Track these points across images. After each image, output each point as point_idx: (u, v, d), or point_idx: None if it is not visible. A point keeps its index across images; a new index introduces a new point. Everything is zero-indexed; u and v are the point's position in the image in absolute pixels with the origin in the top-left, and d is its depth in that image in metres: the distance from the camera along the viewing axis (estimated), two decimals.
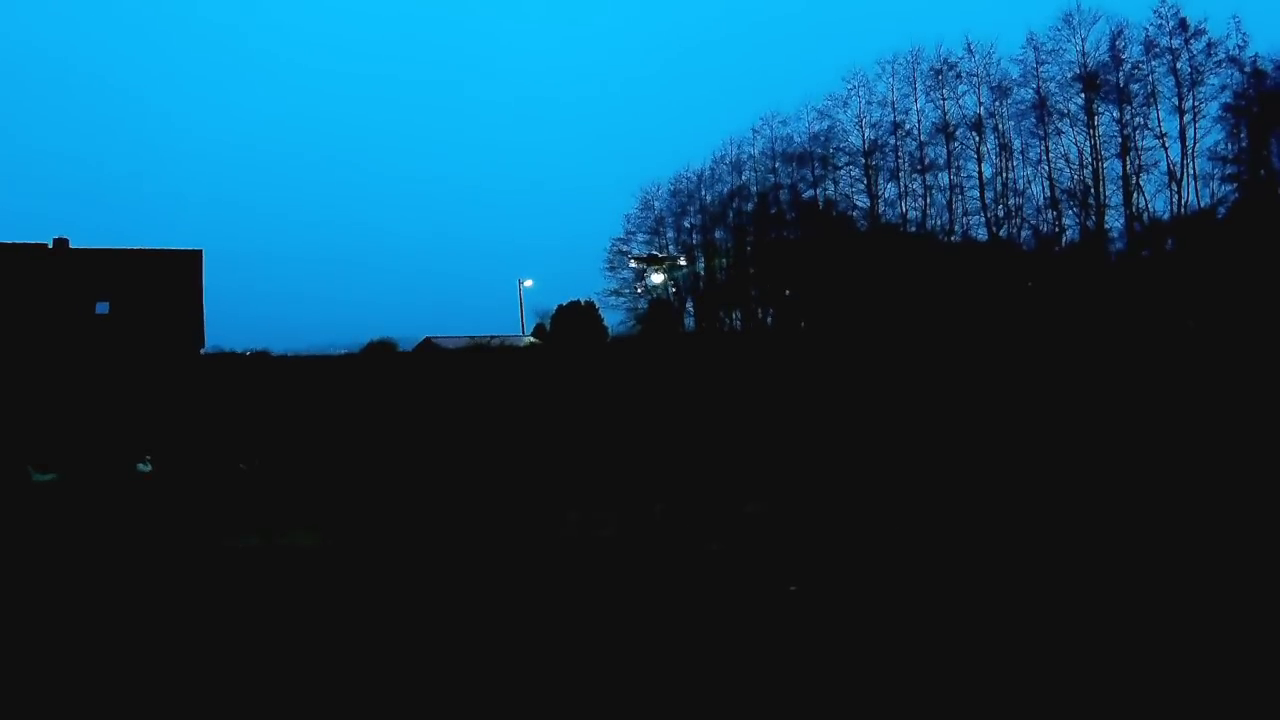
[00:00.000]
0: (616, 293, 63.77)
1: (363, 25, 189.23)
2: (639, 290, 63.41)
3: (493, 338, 59.58)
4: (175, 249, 47.71)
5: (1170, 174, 45.09)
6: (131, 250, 46.73)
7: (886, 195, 55.78)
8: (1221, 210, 43.91)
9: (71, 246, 45.81)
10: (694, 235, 62.83)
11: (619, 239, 64.24)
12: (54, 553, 19.65)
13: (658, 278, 50.75)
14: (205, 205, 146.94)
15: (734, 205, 60.72)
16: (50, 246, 45.59)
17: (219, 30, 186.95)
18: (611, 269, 63.86)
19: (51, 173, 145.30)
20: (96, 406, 39.67)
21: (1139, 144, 46.10)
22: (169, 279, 46.36)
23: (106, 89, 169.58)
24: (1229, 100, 43.19)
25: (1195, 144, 44.55)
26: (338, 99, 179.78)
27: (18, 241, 44.91)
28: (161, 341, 44.58)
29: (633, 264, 58.44)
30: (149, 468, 40.27)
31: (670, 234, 63.37)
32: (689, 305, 63.35)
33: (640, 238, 63.68)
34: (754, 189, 60.18)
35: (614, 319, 64.71)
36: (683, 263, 50.07)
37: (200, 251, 48.02)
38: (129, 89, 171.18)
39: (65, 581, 16.45)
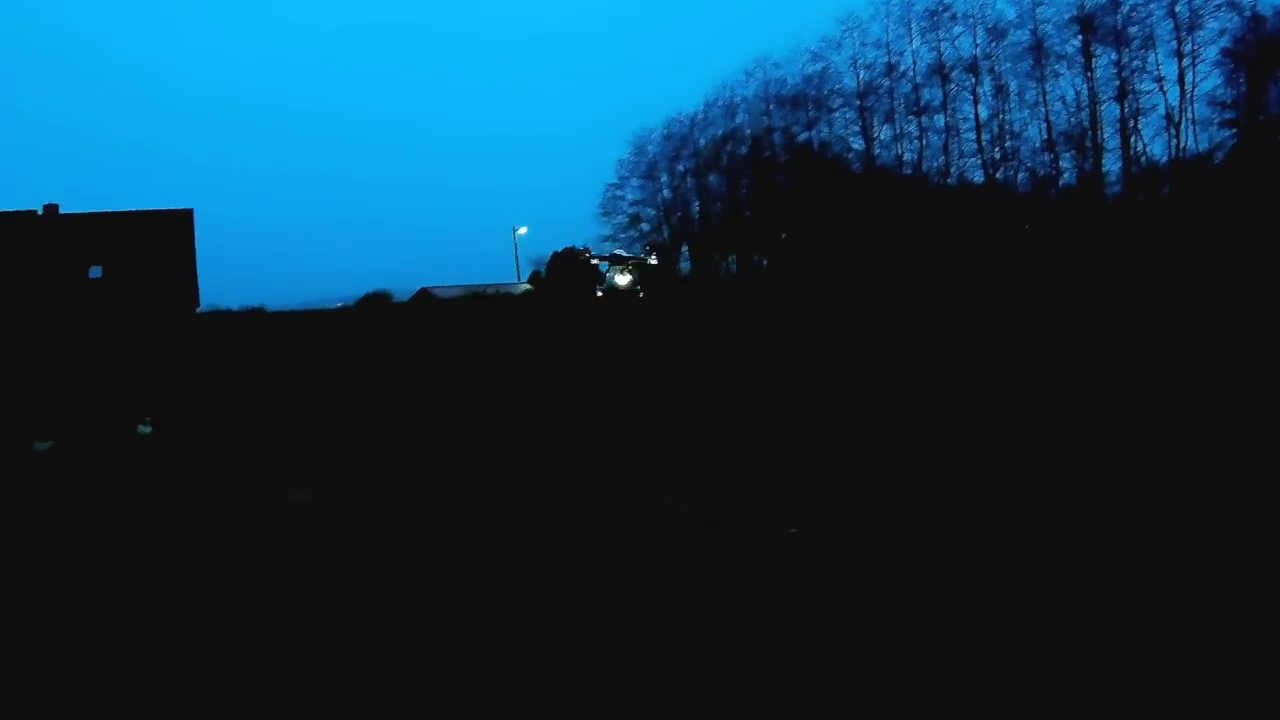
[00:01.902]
0: (611, 238, 63.30)
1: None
2: (634, 236, 63.17)
3: (488, 286, 59.47)
4: (166, 209, 47.27)
5: (1168, 118, 44.67)
6: (122, 213, 46.30)
7: (882, 138, 55.30)
8: (1219, 155, 43.62)
9: (62, 212, 45.47)
10: (687, 179, 62.22)
11: (613, 184, 63.67)
12: (58, 518, 19.80)
13: (623, 279, 50.37)
14: (194, 164, 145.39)
15: (727, 149, 60.07)
16: (40, 213, 45.17)
17: None
18: (605, 214, 63.43)
19: (36, 139, 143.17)
20: (94, 371, 39.73)
21: (1137, 88, 45.60)
22: (161, 240, 46.02)
23: (86, 49, 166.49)
24: (1228, 45, 42.64)
25: (1193, 88, 44.06)
26: (324, 51, 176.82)
27: (7, 210, 44.55)
28: (156, 303, 44.44)
29: (596, 262, 58.00)
30: (149, 429, 40.48)
31: (664, 178, 62.78)
32: (684, 249, 63.03)
33: (634, 183, 63.17)
34: (748, 132, 59.52)
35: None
36: (653, 260, 49.64)
37: (191, 211, 47.65)
38: (110, 49, 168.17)
39: (72, 545, 16.59)
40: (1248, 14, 41.54)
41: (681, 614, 10.45)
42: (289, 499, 21.42)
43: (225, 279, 77.93)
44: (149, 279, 45.17)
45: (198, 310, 47.14)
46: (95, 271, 44.48)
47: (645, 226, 63.24)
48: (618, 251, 54.32)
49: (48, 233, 44.43)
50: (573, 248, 64.66)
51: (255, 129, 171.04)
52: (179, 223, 46.98)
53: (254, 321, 48.09)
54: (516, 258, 67.04)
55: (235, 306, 49.15)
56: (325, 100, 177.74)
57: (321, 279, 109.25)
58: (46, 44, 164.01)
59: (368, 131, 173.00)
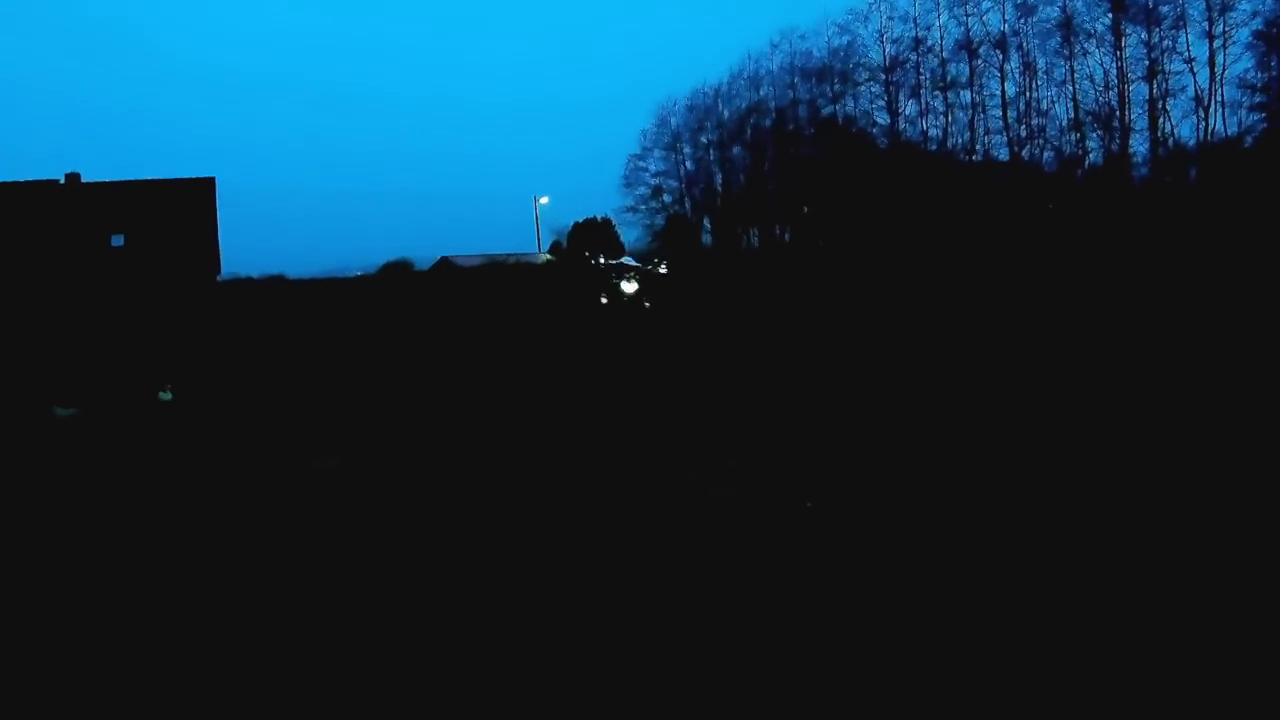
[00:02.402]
0: (633, 209, 63.35)
1: None
2: (655, 207, 63.07)
3: (509, 255, 59.57)
4: (188, 178, 47.52)
5: (1197, 100, 43.92)
6: (144, 182, 46.59)
7: (907, 113, 54.82)
8: (1249, 139, 42.92)
9: (84, 181, 45.81)
10: (710, 152, 61.99)
11: (635, 155, 63.53)
12: (81, 484, 20.05)
13: (630, 287, 50.23)
14: (217, 132, 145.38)
15: (751, 121, 59.69)
16: (62, 182, 45.52)
17: None
18: (628, 185, 63.29)
19: (56, 109, 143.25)
20: (117, 338, 40.09)
21: (1166, 68, 44.82)
22: (183, 208, 46.30)
23: (107, 19, 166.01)
24: (1260, 27, 41.84)
25: (1224, 71, 43.25)
26: (350, 20, 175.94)
27: (30, 180, 44.87)
28: (178, 271, 44.74)
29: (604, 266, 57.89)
30: (170, 395, 40.85)
31: (687, 150, 62.56)
32: (705, 223, 62.92)
33: (657, 154, 62.97)
34: (772, 105, 59.08)
35: (630, 236, 64.55)
36: (662, 270, 49.42)
37: (213, 179, 47.87)
38: (130, 17, 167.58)
39: (91, 511, 16.82)
40: None
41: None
42: (313, 465, 21.55)
43: (246, 244, 78.34)
44: (170, 247, 45.48)
45: (219, 278, 47.40)
46: (117, 240, 44.83)
47: (667, 198, 63.27)
48: (625, 260, 54.27)
49: (70, 201, 44.78)
50: (594, 219, 64.81)
51: (283, 97, 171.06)
52: (201, 191, 47.24)
53: (275, 289, 48.32)
54: (538, 228, 67.11)
55: (256, 274, 49.38)
56: (355, 69, 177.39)
57: (343, 248, 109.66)
58: (70, 16, 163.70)
59: (392, 100, 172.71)
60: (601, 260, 52.45)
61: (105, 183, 46.07)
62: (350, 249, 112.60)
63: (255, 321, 42.97)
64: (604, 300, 49.05)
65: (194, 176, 47.66)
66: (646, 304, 49.56)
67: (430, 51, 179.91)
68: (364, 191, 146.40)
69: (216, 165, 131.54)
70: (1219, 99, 43.45)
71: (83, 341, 39.60)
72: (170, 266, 44.67)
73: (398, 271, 56.51)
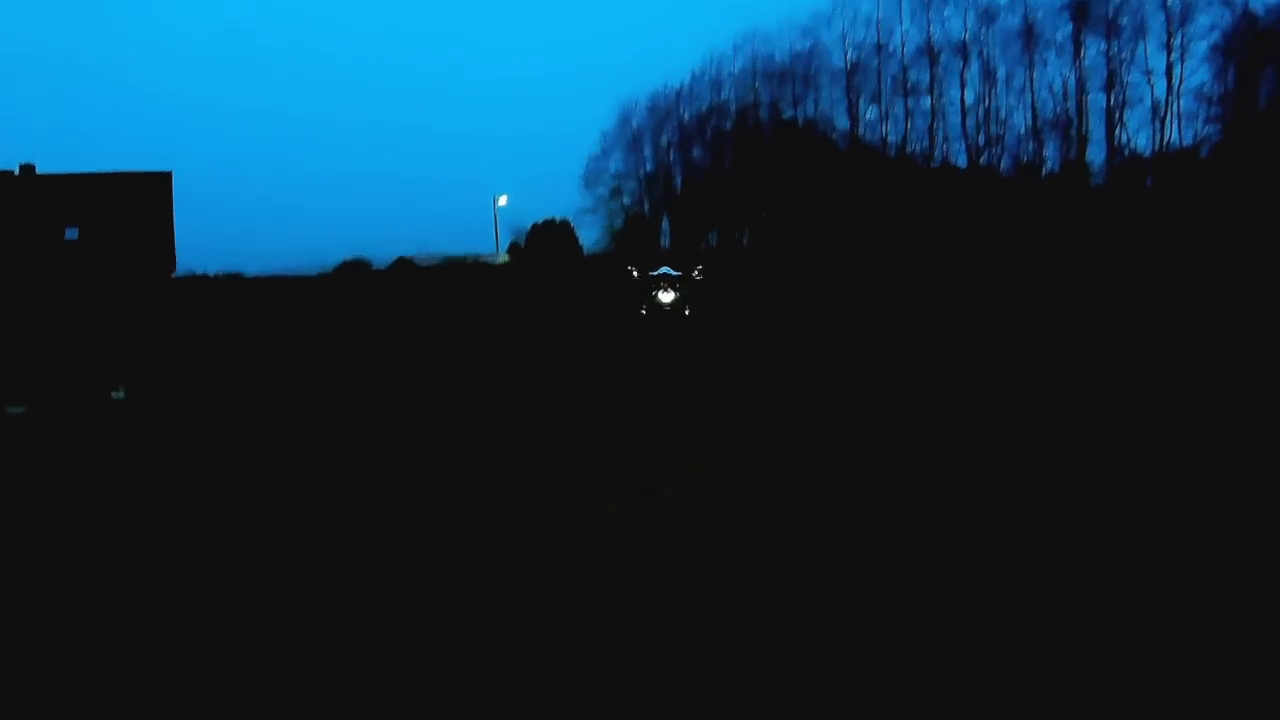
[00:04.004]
0: (591, 210, 63.22)
1: None
2: (615, 209, 63.02)
3: (468, 256, 59.20)
4: (144, 171, 46.55)
5: (1154, 111, 45.04)
6: (100, 174, 45.55)
7: (868, 117, 55.48)
8: (1204, 150, 43.88)
9: (38, 173, 44.75)
10: (670, 152, 62.08)
11: (596, 155, 63.35)
12: (27, 483, 19.59)
13: (667, 296, 49.68)
14: (167, 118, 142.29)
15: (713, 123, 59.95)
16: (16, 173, 44.45)
17: None
18: (588, 185, 63.20)
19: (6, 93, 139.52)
20: (69, 334, 39.25)
21: (1125, 78, 45.90)
22: (139, 202, 45.36)
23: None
24: (1218, 40, 42.91)
25: (1181, 83, 44.45)
26: (305, 9, 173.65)
27: None
28: (133, 266, 43.86)
29: (636, 275, 57.46)
30: (123, 394, 40.10)
31: (647, 150, 62.57)
32: (665, 225, 62.96)
33: (617, 155, 62.89)
34: (733, 107, 59.44)
35: (590, 237, 64.25)
36: (696, 275, 49.16)
37: (170, 174, 46.95)
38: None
39: (41, 511, 16.45)
40: (1239, 9, 41.81)
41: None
42: (267, 465, 21.15)
43: (199, 237, 76.97)
44: (125, 241, 44.56)
45: (174, 275, 46.59)
46: (71, 233, 43.84)
47: (627, 199, 63.17)
48: (665, 270, 53.99)
49: (23, 192, 43.67)
50: (553, 220, 64.49)
51: (235, 82, 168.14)
52: (157, 185, 46.30)
53: (231, 287, 47.65)
54: (496, 229, 66.58)
55: (212, 271, 48.62)
56: (311, 54, 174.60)
57: (299, 243, 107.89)
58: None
59: (352, 87, 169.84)
60: (634, 272, 52.23)
61: (60, 175, 44.96)
62: (307, 239, 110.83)
63: (211, 320, 42.33)
64: (643, 311, 48.91)
65: (151, 170, 46.75)
66: (687, 313, 49.61)
67: (391, 39, 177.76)
68: (321, 178, 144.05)
69: (164, 155, 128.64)
70: (1175, 110, 44.55)
71: (34, 336, 38.75)
72: (125, 261, 43.76)
73: (355, 270, 55.96)
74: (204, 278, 48.13)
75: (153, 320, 41.46)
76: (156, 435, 28.20)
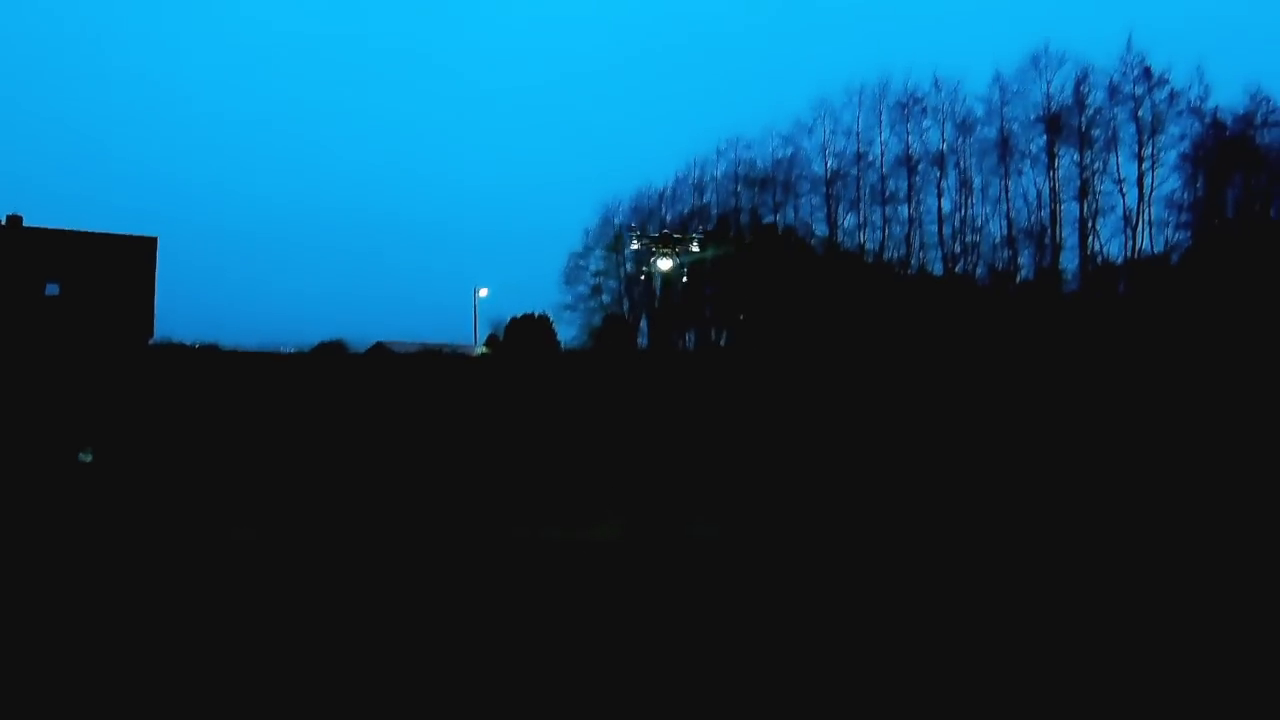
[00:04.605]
0: (571, 307, 63.57)
1: (327, 19, 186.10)
2: (594, 306, 63.34)
3: (444, 346, 59.07)
4: (130, 234, 46.65)
5: (1126, 218, 46.07)
6: (86, 233, 45.57)
7: (846, 224, 56.40)
8: (1175, 256, 44.89)
9: (25, 225, 44.62)
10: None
11: (577, 253, 64.14)
12: None
13: (665, 263, 49.22)
14: (157, 186, 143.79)
15: (694, 225, 60.76)
16: (3, 223, 44.31)
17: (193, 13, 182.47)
18: (568, 282, 63.64)
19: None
20: (41, 390, 38.64)
21: (1097, 188, 47.10)
22: (123, 264, 45.29)
23: (70, 62, 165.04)
24: (1188, 149, 44.33)
25: (1152, 191, 45.69)
26: (301, 86, 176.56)
27: None
28: (111, 328, 43.56)
29: (636, 245, 57.40)
30: (90, 457, 39.34)
31: (629, 250, 63.20)
32: (643, 324, 63.26)
33: (598, 252, 63.64)
34: (715, 210, 60.60)
35: (567, 334, 64.40)
36: (695, 248, 48.43)
37: (155, 239, 47.05)
38: (90, 62, 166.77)
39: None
40: (1209, 120, 43.32)
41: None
42: (229, 537, 20.90)
43: (178, 302, 76.68)
44: (107, 302, 44.33)
45: (152, 340, 46.22)
46: (53, 288, 43.56)
47: (606, 298, 63.59)
48: (666, 231, 53.13)
49: (8, 243, 43.48)
50: (532, 314, 64.72)
51: (225, 154, 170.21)
52: (143, 249, 46.31)
53: (207, 359, 47.28)
54: (475, 321, 66.82)
55: (189, 340, 48.28)
56: (302, 130, 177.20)
57: (278, 315, 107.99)
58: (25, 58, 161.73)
59: (343, 167, 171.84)
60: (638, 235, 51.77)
61: (47, 229, 44.85)
62: (286, 315, 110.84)
63: (185, 390, 41.86)
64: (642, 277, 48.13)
65: (137, 235, 46.79)
66: (685, 280, 48.62)
67: (385, 130, 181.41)
68: (305, 258, 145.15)
69: (160, 215, 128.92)
70: (1147, 218, 45.67)
71: (5, 389, 38.15)
72: (104, 322, 43.46)
73: (332, 352, 55.68)
74: (181, 346, 47.77)
75: (127, 385, 40.95)
76: (116, 503, 27.72)
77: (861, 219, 55.60)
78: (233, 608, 13.41)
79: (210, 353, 48.62)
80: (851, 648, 11.10)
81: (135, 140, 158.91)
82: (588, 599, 13.84)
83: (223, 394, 42.19)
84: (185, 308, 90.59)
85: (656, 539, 20.53)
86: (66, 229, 45.43)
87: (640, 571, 16.56)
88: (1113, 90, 46.39)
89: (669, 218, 61.71)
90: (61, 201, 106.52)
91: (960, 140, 51.59)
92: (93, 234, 45.83)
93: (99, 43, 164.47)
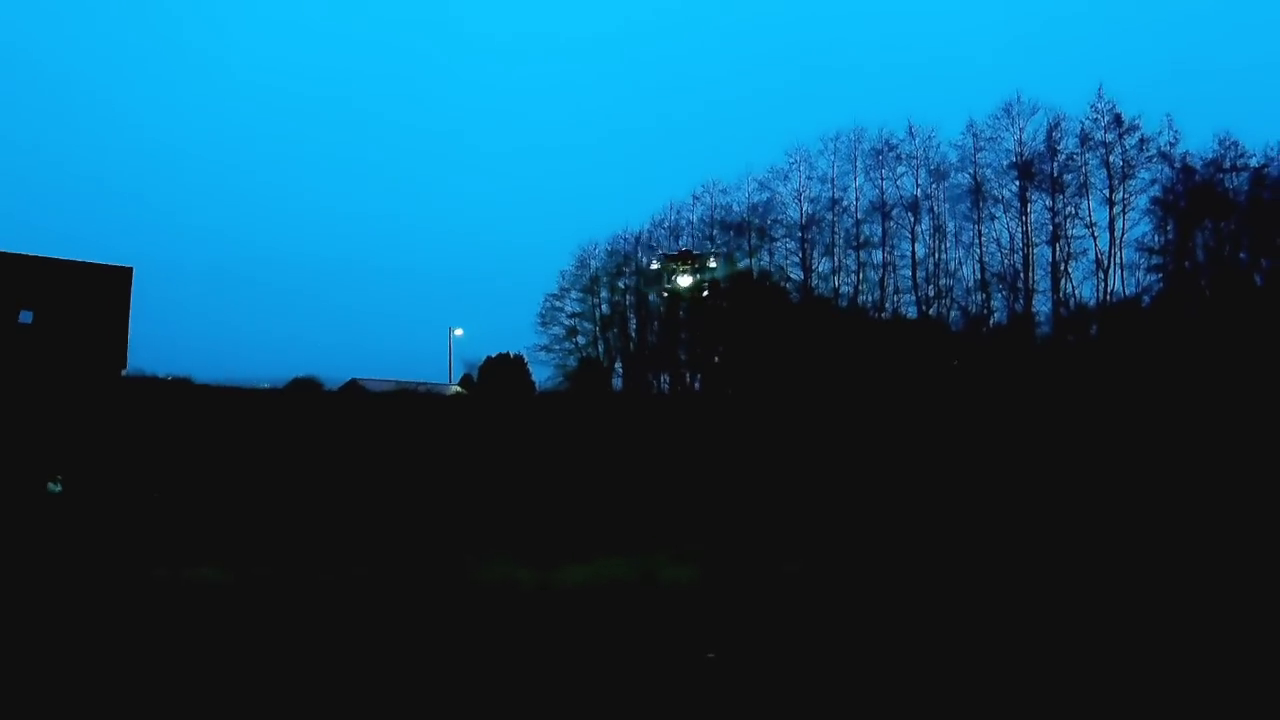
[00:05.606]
0: (546, 349, 63.59)
1: (305, 64, 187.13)
2: (569, 348, 63.49)
3: (419, 384, 59.00)
4: (106, 264, 46.23)
5: (1098, 262, 46.94)
6: (61, 260, 45.12)
7: (820, 269, 56.89)
8: (1146, 299, 45.63)
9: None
10: (627, 296, 63.11)
11: (552, 295, 64.22)
12: None
13: (685, 280, 49.08)
14: (130, 221, 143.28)
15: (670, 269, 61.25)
16: None
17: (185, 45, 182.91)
18: (543, 324, 63.74)
19: None
20: (10, 419, 38.11)
21: (1069, 232, 47.99)
22: (97, 294, 44.79)
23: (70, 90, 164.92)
24: (1158, 194, 45.36)
25: (1123, 234, 46.64)
26: (283, 122, 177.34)
27: None
28: (84, 358, 43.04)
29: (655, 266, 57.17)
30: (59, 488, 38.72)
31: (604, 293, 63.57)
32: (618, 366, 63.37)
33: (574, 295, 63.83)
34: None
35: (542, 374, 64.45)
36: (712, 264, 48.21)
37: (130, 269, 46.58)
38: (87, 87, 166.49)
39: None
40: (1179, 165, 44.32)
41: None
42: (195, 577, 20.61)
43: (150, 334, 75.95)
44: (80, 332, 43.80)
45: (125, 372, 45.73)
46: (26, 316, 43.04)
47: (581, 340, 63.76)
48: (684, 249, 52.80)
49: None
50: (507, 354, 64.75)
51: (202, 187, 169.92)
52: (117, 280, 45.87)
53: (180, 392, 46.92)
54: (450, 359, 66.86)
55: (162, 373, 47.90)
56: (271, 175, 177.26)
57: (251, 350, 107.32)
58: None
59: (315, 218, 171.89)
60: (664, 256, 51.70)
61: (21, 255, 44.31)
62: (261, 350, 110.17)
63: (156, 423, 41.45)
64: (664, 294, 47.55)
65: (113, 264, 46.41)
66: (705, 295, 47.90)
67: (362, 170, 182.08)
68: (281, 294, 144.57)
69: (135, 247, 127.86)
70: (1119, 261, 46.55)
71: None
72: (77, 352, 42.90)
73: (305, 389, 55.44)
74: (154, 379, 47.36)
75: (98, 416, 40.50)
76: (81, 536, 27.32)
77: (836, 264, 56.21)
78: (192, 656, 13.18)
79: (183, 386, 48.28)
80: None
81: (111, 175, 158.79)
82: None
83: (195, 428, 41.79)
84: (159, 342, 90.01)
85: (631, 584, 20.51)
86: (42, 256, 45.03)
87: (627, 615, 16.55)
88: (1084, 137, 47.58)
89: (645, 261, 62.12)
90: (36, 234, 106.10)
91: (934, 186, 52.55)
92: (68, 262, 45.37)
93: (75, 77, 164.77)
